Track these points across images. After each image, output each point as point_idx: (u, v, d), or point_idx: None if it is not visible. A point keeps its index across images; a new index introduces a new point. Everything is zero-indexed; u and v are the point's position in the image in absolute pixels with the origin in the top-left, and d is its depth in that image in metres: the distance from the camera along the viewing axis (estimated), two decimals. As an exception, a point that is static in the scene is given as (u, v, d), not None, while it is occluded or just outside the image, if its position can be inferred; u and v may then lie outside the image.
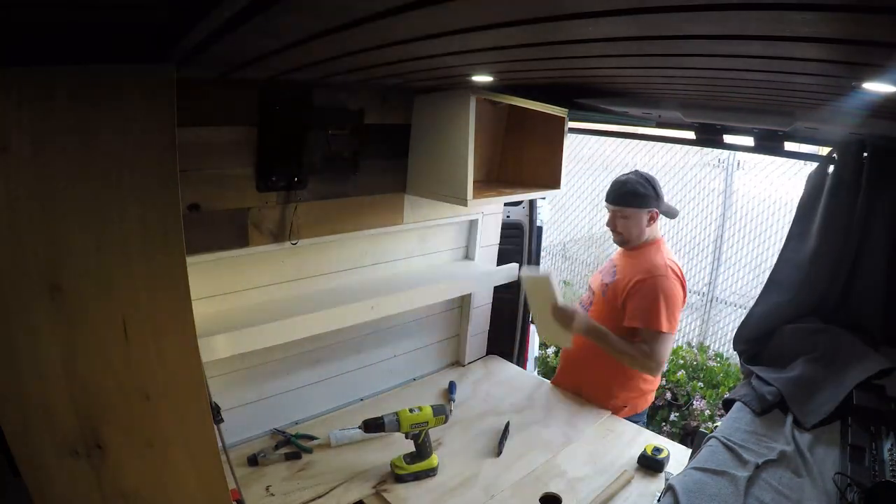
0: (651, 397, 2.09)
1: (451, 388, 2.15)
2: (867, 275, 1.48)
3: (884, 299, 1.46)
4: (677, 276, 1.86)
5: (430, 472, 1.65)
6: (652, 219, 1.89)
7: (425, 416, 1.63)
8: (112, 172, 0.94)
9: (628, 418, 1.99)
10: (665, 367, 1.85)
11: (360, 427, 1.63)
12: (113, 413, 0.99)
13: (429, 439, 1.65)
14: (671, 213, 2.00)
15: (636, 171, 1.98)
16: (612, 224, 1.95)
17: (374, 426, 1.60)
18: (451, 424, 1.91)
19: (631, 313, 1.85)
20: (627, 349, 1.84)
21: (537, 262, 2.55)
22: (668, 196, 4.08)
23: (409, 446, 1.65)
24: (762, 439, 1.27)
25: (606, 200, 1.95)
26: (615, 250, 2.10)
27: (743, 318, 1.71)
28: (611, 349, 1.86)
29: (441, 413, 1.66)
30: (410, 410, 1.63)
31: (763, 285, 1.67)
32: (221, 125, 1.45)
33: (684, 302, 1.90)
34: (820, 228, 1.52)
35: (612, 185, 1.95)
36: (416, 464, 1.64)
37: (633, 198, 1.88)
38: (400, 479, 1.63)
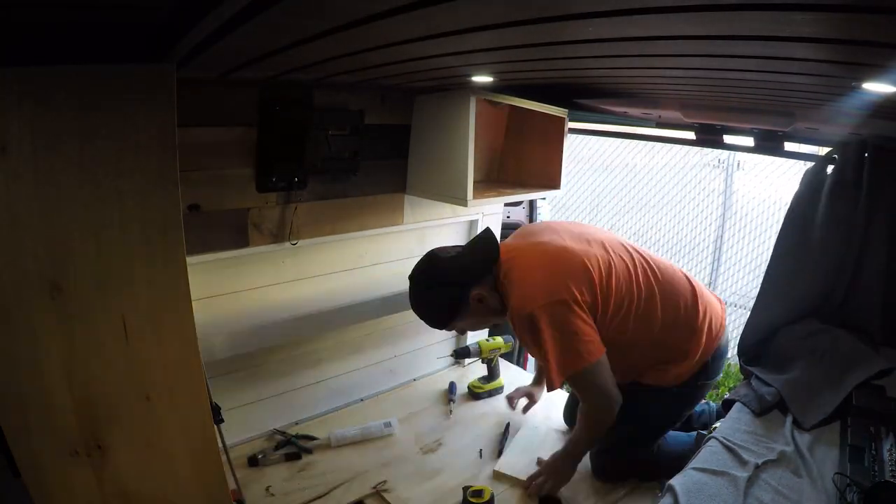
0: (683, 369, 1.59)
1: (451, 388, 2.15)
2: (867, 275, 1.47)
3: (883, 300, 1.46)
4: (540, 288, 1.40)
5: (500, 390, 2.10)
6: (481, 299, 1.49)
7: (498, 343, 2.09)
8: (112, 172, 0.94)
9: None
10: (614, 393, 1.45)
11: (451, 355, 2.04)
12: (113, 413, 0.99)
13: (499, 364, 2.12)
14: (483, 258, 1.53)
15: (413, 278, 1.56)
16: (462, 333, 1.86)
17: (462, 353, 2.03)
18: (451, 425, 1.92)
19: (546, 378, 1.54)
20: (581, 433, 1.53)
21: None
22: (668, 196, 4.10)
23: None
24: (762, 440, 1.27)
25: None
26: None
27: (743, 326, 1.69)
28: (583, 448, 1.56)
29: (510, 340, 2.10)
30: (486, 339, 2.08)
31: (759, 288, 1.67)
32: (221, 125, 1.45)
33: (579, 274, 1.41)
34: (821, 229, 1.51)
35: (416, 313, 1.60)
36: (490, 384, 2.09)
37: (438, 318, 1.55)
38: (478, 396, 2.07)
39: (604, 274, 1.45)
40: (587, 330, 1.40)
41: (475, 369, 2.37)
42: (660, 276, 1.54)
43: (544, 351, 1.40)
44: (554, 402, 2.01)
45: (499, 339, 2.11)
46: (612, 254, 1.51)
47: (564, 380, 1.44)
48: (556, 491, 1.55)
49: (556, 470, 1.58)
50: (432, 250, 1.58)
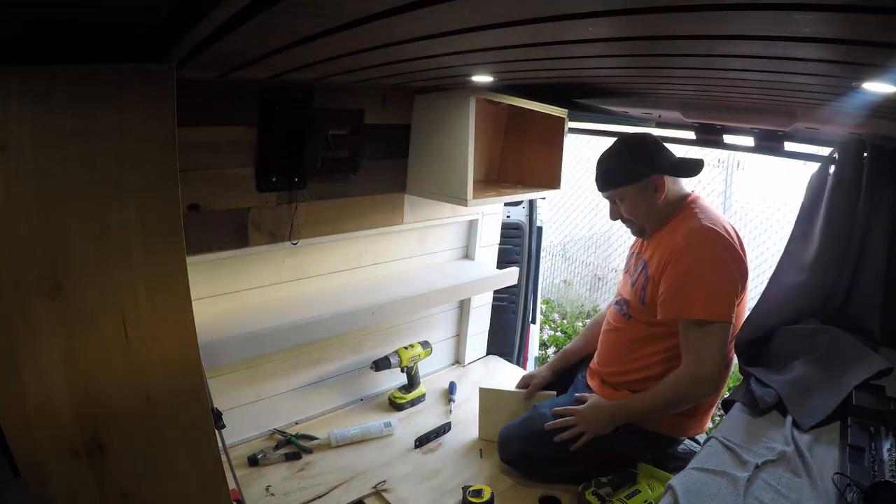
0: (700, 421, 1.57)
1: (451, 388, 2.16)
2: (867, 275, 1.47)
3: (883, 300, 1.46)
4: (727, 239, 1.40)
5: (422, 399, 2.07)
6: (658, 188, 1.47)
7: (416, 351, 2.03)
8: (112, 172, 0.94)
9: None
10: (728, 371, 1.39)
11: (370, 367, 1.92)
12: (113, 413, 0.99)
13: (419, 372, 2.07)
14: (688, 170, 1.49)
15: (621, 136, 1.57)
16: (614, 215, 1.57)
17: (382, 364, 1.93)
18: (451, 425, 1.92)
19: (661, 303, 1.43)
20: (655, 395, 1.42)
21: (537, 263, 2.54)
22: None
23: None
24: (761, 440, 1.27)
25: (598, 189, 1.58)
26: (628, 243, 1.74)
27: (741, 326, 1.70)
28: (643, 410, 1.45)
29: (428, 347, 2.08)
30: (405, 348, 2.01)
31: (764, 287, 1.67)
32: (221, 125, 1.45)
33: (745, 276, 1.41)
34: (822, 229, 1.51)
35: (595, 166, 1.56)
36: (411, 393, 2.05)
37: (620, 176, 1.49)
38: (399, 407, 2.01)
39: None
40: (736, 296, 1.38)
41: (475, 369, 2.37)
42: None
43: (697, 277, 1.35)
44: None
45: (417, 347, 2.05)
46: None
47: (698, 321, 1.34)
48: (580, 445, 1.46)
49: (593, 419, 1.46)
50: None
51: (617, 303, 1.65)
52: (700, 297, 1.36)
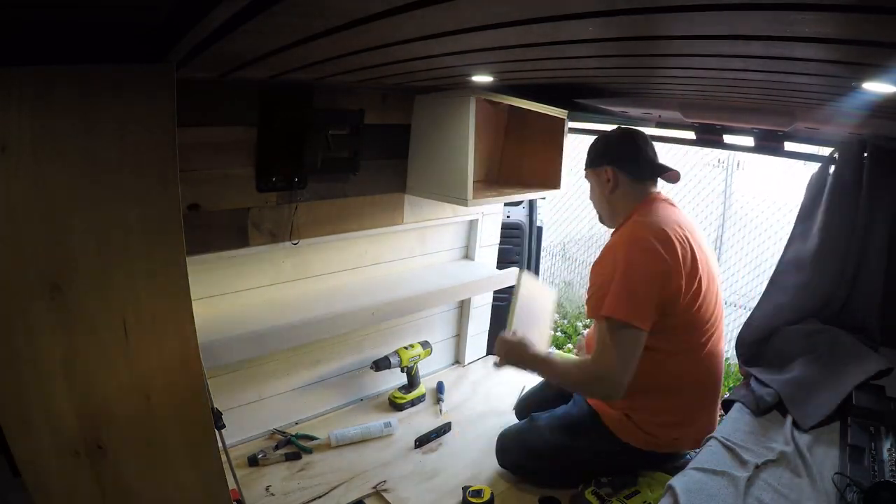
0: (679, 435, 1.48)
1: (440, 388, 2.16)
2: (868, 274, 1.47)
3: (883, 299, 1.46)
4: (649, 240, 1.32)
5: (422, 399, 2.07)
6: (609, 181, 1.46)
7: (416, 351, 2.04)
8: (112, 172, 0.94)
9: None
10: (626, 377, 1.29)
11: (370, 367, 1.93)
12: (113, 413, 0.99)
13: (419, 372, 2.06)
14: (645, 172, 1.46)
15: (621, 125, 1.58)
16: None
17: (382, 364, 1.94)
18: (451, 425, 1.92)
19: (586, 302, 1.47)
20: (565, 371, 1.43)
21: (537, 263, 2.54)
22: (669, 196, 4.10)
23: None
24: (762, 439, 1.27)
25: None
26: None
27: (745, 320, 1.70)
28: (552, 374, 1.48)
29: (428, 347, 2.09)
30: (405, 348, 2.02)
31: (765, 287, 1.67)
32: (221, 125, 1.45)
33: (671, 275, 1.31)
34: (822, 230, 1.51)
35: None
36: (411, 393, 2.04)
37: (588, 158, 1.54)
38: (400, 407, 2.00)
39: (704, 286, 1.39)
40: (653, 300, 1.31)
41: (475, 368, 2.37)
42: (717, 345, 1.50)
43: (613, 277, 1.32)
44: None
45: (417, 347, 2.05)
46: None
47: (603, 317, 1.33)
48: (500, 363, 1.53)
49: (513, 354, 1.50)
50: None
51: None
52: (610, 296, 1.32)
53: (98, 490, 0.99)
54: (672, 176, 1.50)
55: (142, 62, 0.92)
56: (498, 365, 1.56)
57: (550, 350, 1.67)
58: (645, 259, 1.32)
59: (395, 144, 1.83)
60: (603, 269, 1.39)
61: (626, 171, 1.47)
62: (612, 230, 1.55)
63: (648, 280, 1.31)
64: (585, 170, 1.56)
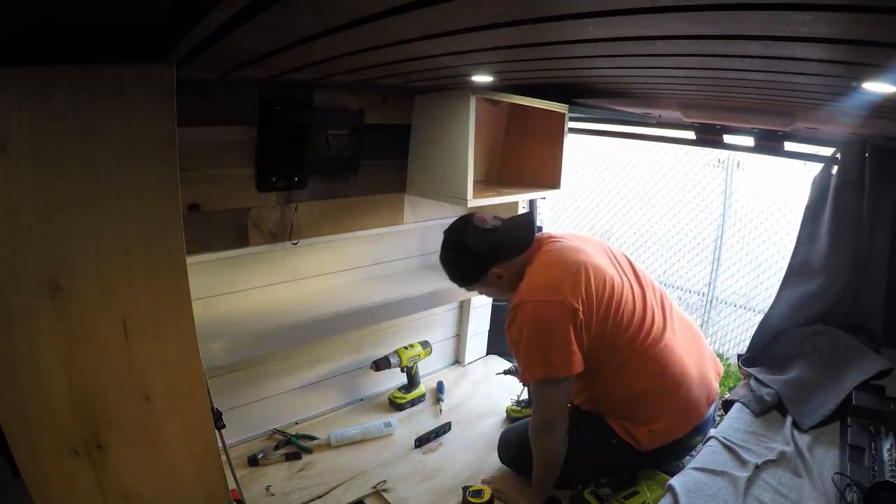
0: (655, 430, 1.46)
1: (440, 387, 2.16)
2: (870, 275, 1.47)
3: (885, 300, 1.46)
4: (529, 305, 1.37)
5: (422, 398, 2.07)
6: (500, 276, 1.48)
7: (416, 351, 2.03)
8: (112, 172, 0.94)
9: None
10: (559, 423, 1.40)
11: (370, 367, 1.93)
12: (113, 413, 0.99)
13: (419, 372, 2.06)
14: (509, 250, 1.48)
15: (444, 237, 1.54)
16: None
17: (382, 364, 1.93)
18: (451, 424, 1.92)
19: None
20: (535, 464, 1.47)
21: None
22: (668, 196, 4.10)
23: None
24: (762, 439, 1.27)
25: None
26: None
27: (756, 329, 1.68)
28: (539, 484, 1.49)
29: (428, 346, 2.08)
30: (405, 347, 2.01)
31: (777, 290, 1.66)
32: (221, 125, 1.45)
33: (572, 313, 1.34)
34: (829, 232, 1.51)
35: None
36: (411, 393, 2.04)
37: (459, 278, 1.56)
38: (400, 407, 2.00)
39: (610, 293, 1.41)
40: (569, 341, 1.35)
41: (475, 368, 2.37)
42: (672, 332, 1.49)
43: (519, 351, 1.39)
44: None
45: (417, 347, 2.05)
46: (626, 279, 1.48)
47: (532, 382, 1.44)
48: None
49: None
50: (470, 214, 1.53)
51: None
52: (523, 363, 1.41)
53: (98, 490, 0.99)
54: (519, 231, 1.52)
55: (142, 62, 0.92)
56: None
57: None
58: (541, 314, 1.36)
59: (395, 144, 1.83)
60: (513, 336, 1.41)
61: (503, 258, 1.47)
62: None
63: (551, 331, 1.35)
64: (470, 288, 1.57)
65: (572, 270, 1.39)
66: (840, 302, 1.54)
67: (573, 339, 1.35)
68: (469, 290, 1.60)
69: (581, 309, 1.35)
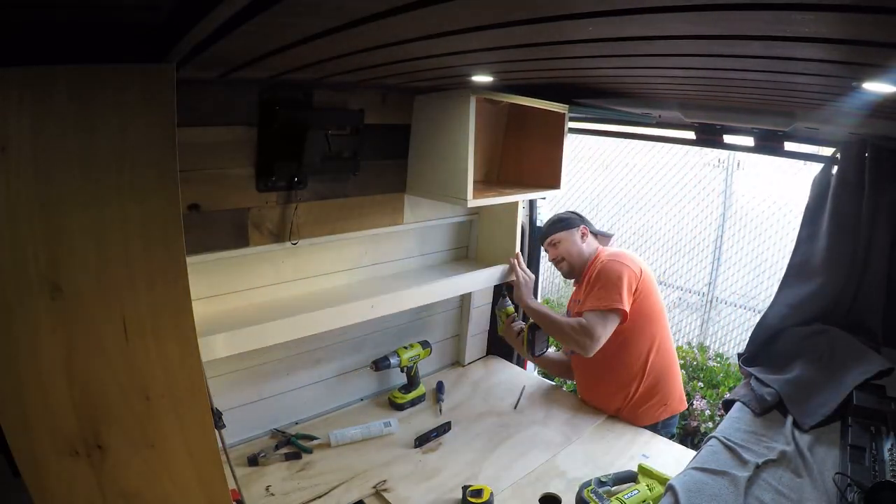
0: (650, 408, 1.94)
1: (440, 387, 2.15)
2: (871, 275, 1.47)
3: (885, 299, 1.46)
4: (616, 260, 1.91)
5: (422, 398, 2.09)
6: (584, 235, 2.02)
7: (416, 351, 2.06)
8: (112, 172, 0.94)
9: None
10: (599, 345, 1.82)
11: (370, 366, 1.97)
12: (113, 413, 0.99)
13: (419, 372, 2.09)
14: (604, 235, 2.15)
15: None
16: (552, 258, 2.08)
17: (382, 364, 1.96)
18: (451, 424, 1.92)
19: (581, 307, 1.91)
20: (559, 322, 1.91)
21: (537, 262, 2.54)
22: (668, 196, 4.10)
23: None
24: (762, 439, 1.27)
25: (540, 244, 2.18)
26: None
27: (754, 328, 1.68)
28: (547, 324, 1.96)
29: (428, 346, 2.12)
30: (405, 347, 2.05)
31: (776, 289, 1.66)
32: (221, 125, 1.45)
33: (639, 278, 1.88)
34: (828, 232, 1.51)
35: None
36: (411, 393, 2.06)
37: (556, 224, 2.05)
38: (400, 407, 2.02)
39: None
40: (630, 290, 1.85)
41: (475, 368, 2.37)
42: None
43: (595, 288, 1.87)
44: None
45: (417, 347, 2.07)
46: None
47: (596, 309, 1.82)
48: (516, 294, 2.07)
49: (523, 298, 2.04)
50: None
51: None
52: (593, 300, 1.86)
53: (98, 490, 0.99)
54: (604, 240, 2.13)
55: (142, 62, 0.92)
56: (499, 331, 2.17)
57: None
58: (620, 267, 1.88)
59: (395, 144, 1.83)
60: (591, 285, 1.91)
61: (589, 228, 2.07)
62: (576, 276, 2.06)
63: (620, 278, 1.85)
64: (556, 234, 2.04)
65: (635, 258, 1.96)
66: (840, 301, 1.53)
67: (631, 291, 1.85)
68: (554, 237, 2.03)
69: (638, 278, 1.87)
